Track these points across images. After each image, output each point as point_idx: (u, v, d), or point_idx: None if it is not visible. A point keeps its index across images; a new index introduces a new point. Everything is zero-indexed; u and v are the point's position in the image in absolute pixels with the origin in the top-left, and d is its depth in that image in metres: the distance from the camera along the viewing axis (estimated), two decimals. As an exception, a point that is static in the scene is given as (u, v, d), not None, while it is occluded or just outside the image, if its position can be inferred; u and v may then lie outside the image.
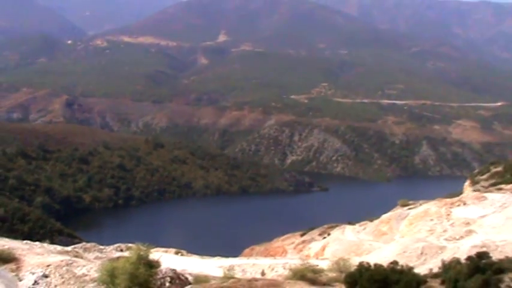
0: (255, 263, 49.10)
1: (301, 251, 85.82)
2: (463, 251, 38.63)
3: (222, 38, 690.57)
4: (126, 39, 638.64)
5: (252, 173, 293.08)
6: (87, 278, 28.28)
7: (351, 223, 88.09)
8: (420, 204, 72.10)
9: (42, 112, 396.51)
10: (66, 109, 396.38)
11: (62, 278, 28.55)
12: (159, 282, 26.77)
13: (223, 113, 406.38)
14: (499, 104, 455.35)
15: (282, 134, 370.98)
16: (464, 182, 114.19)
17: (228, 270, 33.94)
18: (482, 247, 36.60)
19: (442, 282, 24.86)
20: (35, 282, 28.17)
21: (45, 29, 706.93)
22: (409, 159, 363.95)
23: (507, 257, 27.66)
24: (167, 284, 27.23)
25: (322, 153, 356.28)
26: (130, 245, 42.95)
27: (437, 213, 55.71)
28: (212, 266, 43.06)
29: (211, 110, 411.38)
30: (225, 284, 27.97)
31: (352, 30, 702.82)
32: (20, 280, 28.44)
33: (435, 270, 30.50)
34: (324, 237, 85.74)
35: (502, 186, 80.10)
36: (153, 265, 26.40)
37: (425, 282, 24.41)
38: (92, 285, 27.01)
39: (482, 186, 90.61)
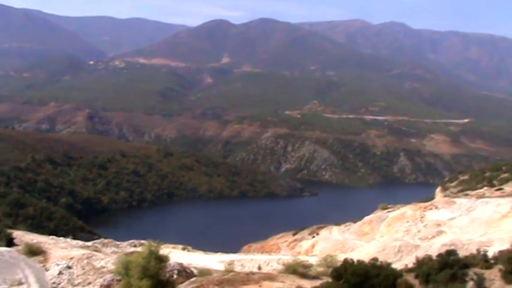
0: (253, 258, 49.13)
1: (293, 248, 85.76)
2: (434, 248, 38.71)
3: (225, 60, 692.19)
4: (141, 60, 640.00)
5: (251, 179, 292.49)
6: (105, 269, 28.39)
7: (337, 224, 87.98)
8: (398, 208, 72.24)
9: (67, 124, 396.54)
10: (88, 121, 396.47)
11: (83, 269, 28.66)
12: (168, 275, 26.85)
13: (225, 126, 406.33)
14: (466, 120, 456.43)
15: (277, 145, 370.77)
16: (436, 188, 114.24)
17: (229, 264, 33.98)
18: (450, 245, 36.68)
19: (416, 276, 24.90)
20: (60, 273, 28.27)
21: (71, 51, 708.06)
22: (388, 168, 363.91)
23: (472, 254, 27.71)
24: (175, 276, 27.31)
25: (312, 162, 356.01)
26: (142, 241, 43.00)
27: (413, 216, 55.78)
28: (214, 261, 43.08)
29: (215, 123, 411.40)
30: (225, 276, 28.00)
31: (340, 55, 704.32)
32: (47, 270, 28.54)
33: (410, 265, 30.53)
34: (314, 236, 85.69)
35: (469, 192, 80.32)
36: (162, 259, 26.46)
37: (401, 276, 24.45)
38: (109, 276, 27.08)
39: (452, 192, 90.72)
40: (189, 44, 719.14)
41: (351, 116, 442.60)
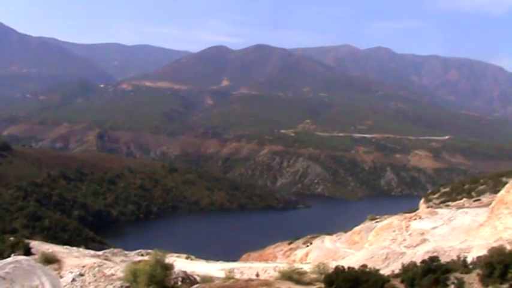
0: (251, 266, 48.94)
1: (288, 256, 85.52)
2: (418, 255, 38.63)
3: (224, 83, 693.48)
4: (147, 83, 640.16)
5: (249, 193, 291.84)
6: (114, 277, 28.34)
7: (329, 234, 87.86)
8: (385, 219, 72.07)
9: (79, 142, 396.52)
10: (98, 140, 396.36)
11: (94, 276, 28.63)
12: (172, 282, 26.82)
13: (225, 144, 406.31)
14: (447, 137, 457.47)
15: (273, 161, 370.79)
16: (419, 200, 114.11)
17: (229, 272, 33.94)
18: (433, 252, 36.64)
19: (402, 281, 24.93)
20: (73, 280, 28.24)
21: (83, 75, 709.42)
22: (376, 181, 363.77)
23: (453, 260, 27.74)
24: (179, 283, 27.28)
25: (306, 177, 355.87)
26: (149, 251, 42.90)
27: (399, 226, 55.66)
28: (215, 269, 42.90)
29: (216, 142, 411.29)
30: (226, 283, 27.97)
31: (330, 77, 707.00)
32: (61, 277, 28.50)
33: (396, 271, 30.51)
34: (307, 245, 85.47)
35: (449, 203, 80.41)
36: (168, 267, 26.47)
37: (388, 281, 24.47)
38: (119, 283, 27.06)
39: (434, 203, 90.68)
40: (191, 68, 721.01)
41: (341, 134, 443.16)
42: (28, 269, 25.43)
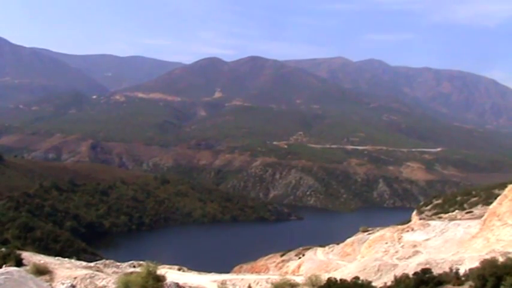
0: (243, 278, 48.76)
1: (281, 268, 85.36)
2: (411, 267, 38.61)
3: (217, 94, 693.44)
4: (140, 95, 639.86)
5: (241, 204, 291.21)
6: (106, 288, 28.14)
7: (321, 246, 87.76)
8: (377, 230, 72.11)
9: (72, 153, 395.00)
10: (91, 151, 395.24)
11: (86, 288, 28.41)
12: (165, 293, 26.62)
13: (218, 155, 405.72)
14: (439, 149, 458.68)
15: (266, 173, 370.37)
16: (412, 212, 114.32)
17: (221, 284, 33.78)
18: (426, 264, 36.63)
19: (394, 293, 24.94)
20: (65, 292, 28.01)
21: (76, 86, 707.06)
22: (368, 193, 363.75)
23: (445, 272, 27.76)
24: (171, 295, 27.07)
25: (298, 189, 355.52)
26: (141, 262, 42.63)
27: (391, 238, 55.68)
28: (208, 281, 42.72)
29: (208, 153, 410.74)
30: (218, 294, 27.83)
31: (323, 89, 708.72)
32: (53, 290, 28.29)
33: (389, 283, 30.48)
34: (300, 257, 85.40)
35: (442, 215, 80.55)
36: (160, 279, 26.31)
37: (380, 293, 24.48)
38: (111, 294, 26.86)
39: (426, 215, 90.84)
40: (184, 80, 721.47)
41: (333, 146, 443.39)
42: (19, 280, 25.17)
